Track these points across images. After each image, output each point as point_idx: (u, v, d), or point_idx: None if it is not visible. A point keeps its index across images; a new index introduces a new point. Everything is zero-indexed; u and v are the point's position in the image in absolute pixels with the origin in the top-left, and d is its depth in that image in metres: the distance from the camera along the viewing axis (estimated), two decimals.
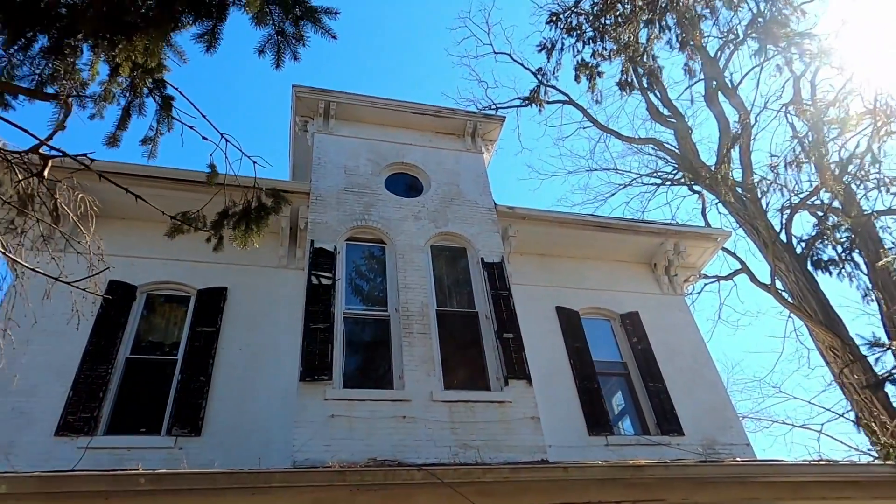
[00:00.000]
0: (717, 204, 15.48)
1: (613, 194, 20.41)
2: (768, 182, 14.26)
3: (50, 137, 3.10)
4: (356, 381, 6.98)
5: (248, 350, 7.57)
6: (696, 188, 15.88)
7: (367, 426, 6.27)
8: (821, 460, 6.74)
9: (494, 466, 4.56)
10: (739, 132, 14.82)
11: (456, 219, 8.83)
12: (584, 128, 19.84)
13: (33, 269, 3.46)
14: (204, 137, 3.58)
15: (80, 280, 3.65)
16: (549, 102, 15.90)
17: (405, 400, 6.59)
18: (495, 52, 19.44)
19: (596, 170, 19.57)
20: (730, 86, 15.81)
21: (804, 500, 5.75)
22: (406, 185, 9.30)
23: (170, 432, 6.64)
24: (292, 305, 7.94)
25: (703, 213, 15.90)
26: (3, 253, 3.43)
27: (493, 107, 19.00)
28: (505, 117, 10.72)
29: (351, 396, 6.52)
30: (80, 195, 3.70)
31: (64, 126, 3.11)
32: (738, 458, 6.79)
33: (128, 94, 3.30)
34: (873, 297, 12.79)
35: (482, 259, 8.37)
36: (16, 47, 2.90)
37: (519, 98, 18.81)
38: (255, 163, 3.97)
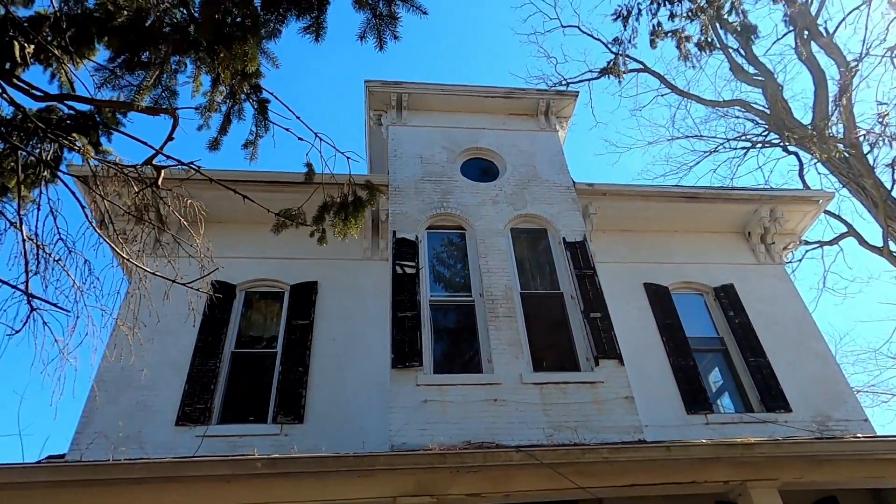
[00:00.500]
0: (815, 164, 14.35)
1: (698, 162, 19.36)
2: (875, 135, 13.00)
3: (161, 148, 3.36)
4: (445, 366, 7.10)
5: (340, 340, 7.88)
6: (792, 149, 14.77)
7: (460, 410, 6.37)
8: None
9: (593, 447, 4.49)
10: (840, 82, 13.61)
11: (534, 200, 8.72)
12: (662, 95, 19.03)
13: (154, 273, 3.78)
14: (300, 138, 3.76)
15: (194, 281, 3.95)
16: (625, 72, 15.25)
17: (495, 383, 6.64)
18: (563, 26, 18.89)
19: (678, 138, 18.66)
20: (824, 34, 14.53)
21: None
22: (482, 169, 9.29)
23: (275, 420, 7.04)
24: (378, 295, 8.18)
25: (801, 175, 14.78)
26: (129, 260, 3.78)
27: (564, 82, 18.53)
28: (578, 92, 10.42)
29: (442, 381, 6.65)
30: (189, 201, 4.00)
31: (173, 137, 3.36)
32: (857, 434, 6.33)
33: (228, 101, 3.51)
34: None
35: (564, 239, 8.24)
36: (124, 66, 3.17)
37: (591, 71, 18.28)
38: (348, 158, 4.15)
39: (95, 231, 3.47)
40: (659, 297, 8.80)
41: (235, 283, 8.28)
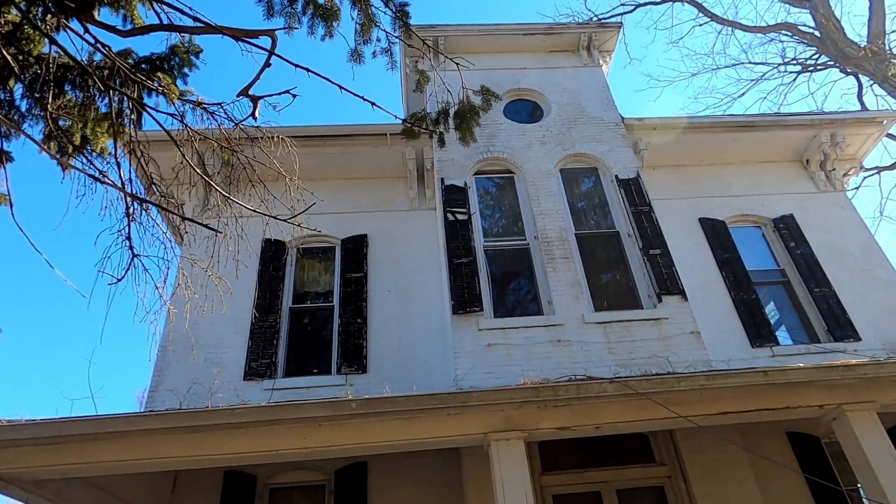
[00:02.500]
0: (872, 85, 13.57)
1: (744, 93, 18.71)
2: None
3: (266, 64, 3.26)
4: (505, 310, 7.06)
5: (395, 290, 7.87)
6: (848, 70, 13.97)
7: (525, 352, 6.35)
8: None
9: (689, 374, 4.42)
10: None
11: (583, 139, 8.45)
12: (701, 25, 18.10)
13: (254, 211, 3.77)
14: (409, 45, 3.64)
15: (293, 216, 3.93)
16: (661, 2, 14.51)
17: (558, 324, 6.58)
18: None
19: (724, 67, 17.99)
20: None
21: None
22: (526, 110, 9.01)
23: (339, 371, 7.14)
24: (428, 244, 8.13)
25: (860, 97, 14.03)
26: (230, 199, 3.75)
27: (596, 19, 17.77)
28: (622, 24, 9.95)
29: (504, 325, 6.62)
30: (280, 149, 3.95)
31: (270, 64, 3.26)
32: None
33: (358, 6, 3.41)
34: None
35: (616, 176, 8.00)
36: None
37: (623, 4, 17.45)
38: (458, 65, 4.10)
39: (200, 174, 3.42)
40: (716, 232, 8.54)
41: (286, 240, 8.29)
